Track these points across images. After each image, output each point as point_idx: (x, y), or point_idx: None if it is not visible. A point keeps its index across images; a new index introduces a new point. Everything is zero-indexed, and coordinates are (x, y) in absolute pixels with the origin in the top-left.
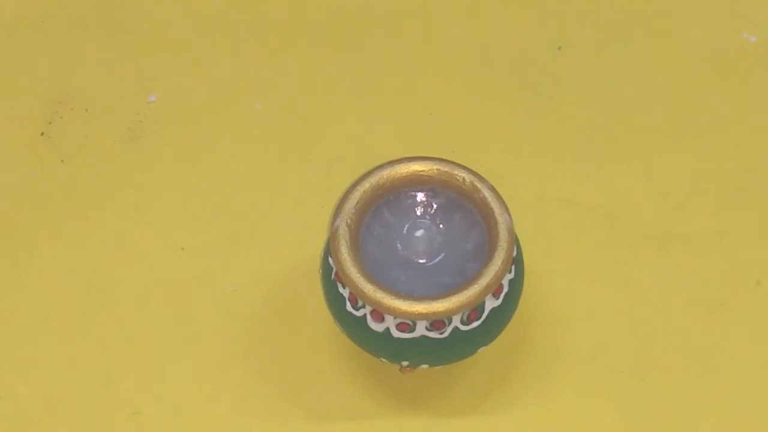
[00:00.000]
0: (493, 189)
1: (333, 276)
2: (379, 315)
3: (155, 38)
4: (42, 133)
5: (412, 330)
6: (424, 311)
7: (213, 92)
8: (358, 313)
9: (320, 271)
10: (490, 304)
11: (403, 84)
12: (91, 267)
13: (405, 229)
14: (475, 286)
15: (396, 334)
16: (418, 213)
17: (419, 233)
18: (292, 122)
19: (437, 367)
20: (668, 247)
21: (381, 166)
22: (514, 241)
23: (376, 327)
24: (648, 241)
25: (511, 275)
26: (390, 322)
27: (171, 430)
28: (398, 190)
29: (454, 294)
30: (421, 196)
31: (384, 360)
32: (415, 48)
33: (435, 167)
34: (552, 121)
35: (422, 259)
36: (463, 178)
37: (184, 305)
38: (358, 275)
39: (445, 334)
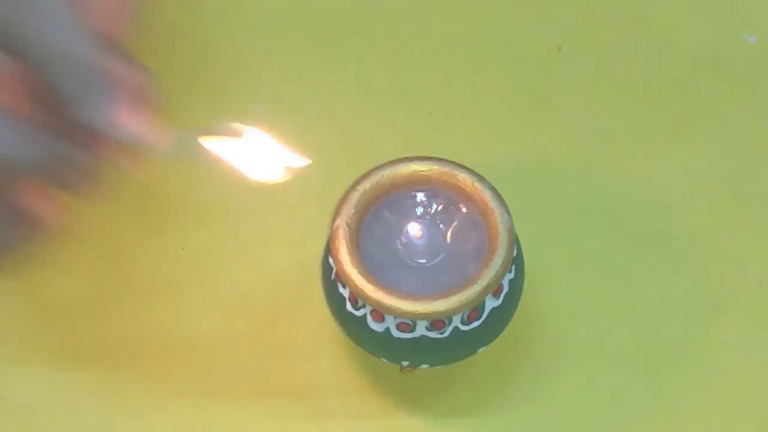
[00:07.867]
0: (493, 189)
1: (333, 276)
2: (379, 315)
3: (155, 38)
4: None
5: (412, 330)
6: (424, 311)
7: (213, 92)
8: (358, 313)
9: (320, 271)
10: (490, 304)
11: (403, 84)
12: (91, 267)
13: (405, 229)
14: (475, 286)
15: (396, 334)
16: (418, 213)
17: (419, 233)
18: (293, 122)
19: (437, 367)
20: (668, 247)
21: (381, 166)
22: (514, 241)
23: (376, 327)
24: (648, 241)
25: (511, 275)
26: (390, 322)
27: (171, 430)
28: (398, 190)
29: (454, 294)
30: (421, 196)
31: (384, 360)
32: (415, 48)
33: (435, 167)
34: (552, 121)
35: (422, 259)
36: (463, 178)
37: (184, 305)
38: (358, 275)
39: (445, 334)
